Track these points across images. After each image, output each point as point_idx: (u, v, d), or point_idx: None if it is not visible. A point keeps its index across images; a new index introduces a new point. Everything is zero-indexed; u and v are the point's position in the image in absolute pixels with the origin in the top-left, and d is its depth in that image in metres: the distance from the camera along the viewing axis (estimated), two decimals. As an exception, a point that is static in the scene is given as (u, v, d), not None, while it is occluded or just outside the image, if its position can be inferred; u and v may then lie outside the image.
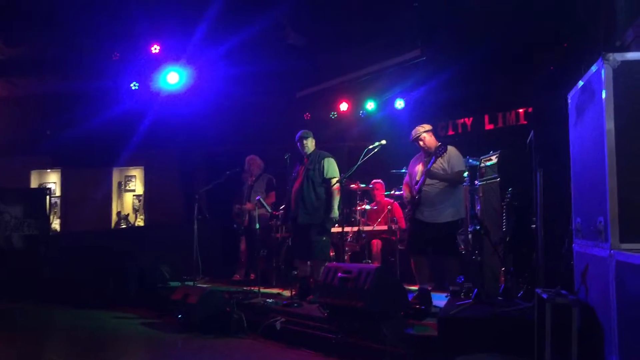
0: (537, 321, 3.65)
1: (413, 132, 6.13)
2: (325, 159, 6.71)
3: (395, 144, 6.76)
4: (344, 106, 10.00)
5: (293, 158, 7.01)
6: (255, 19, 7.51)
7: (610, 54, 3.17)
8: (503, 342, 4.08)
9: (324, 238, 6.60)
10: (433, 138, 6.13)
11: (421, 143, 6.09)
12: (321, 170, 6.67)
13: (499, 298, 5.16)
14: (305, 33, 8.44)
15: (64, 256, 9.33)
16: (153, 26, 8.02)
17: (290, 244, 7.51)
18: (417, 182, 6.00)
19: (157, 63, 8.44)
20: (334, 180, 6.58)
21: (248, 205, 8.26)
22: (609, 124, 3.13)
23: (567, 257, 4.29)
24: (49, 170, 12.89)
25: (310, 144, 6.84)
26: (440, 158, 5.89)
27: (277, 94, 9.73)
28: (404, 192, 6.49)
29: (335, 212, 6.56)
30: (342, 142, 9.50)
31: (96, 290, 8.39)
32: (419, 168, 6.10)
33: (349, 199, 8.23)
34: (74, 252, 9.31)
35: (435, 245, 5.92)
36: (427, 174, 5.88)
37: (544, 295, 3.49)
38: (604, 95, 3.18)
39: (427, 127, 6.14)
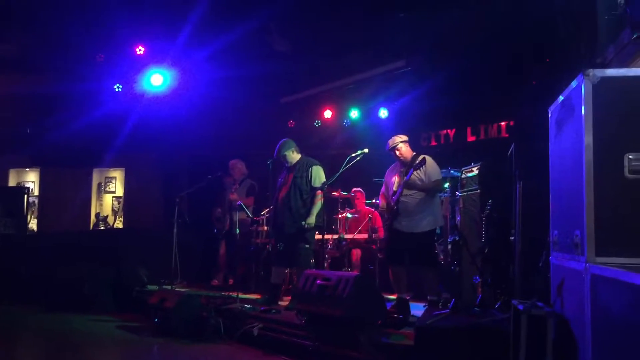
0: (513, 332, 3.68)
1: (390, 142, 6.18)
2: (313, 167, 6.62)
3: (378, 153, 6.79)
4: (328, 114, 10.03)
5: (276, 164, 7.00)
6: (241, 22, 7.50)
7: (590, 70, 3.22)
8: (479, 352, 4.11)
9: (307, 246, 6.55)
10: (409, 148, 6.19)
11: (397, 153, 6.15)
12: (309, 179, 6.59)
13: (476, 309, 5.19)
14: (291, 39, 8.46)
15: (40, 257, 9.19)
16: (138, 28, 7.99)
17: (270, 249, 7.48)
18: (394, 192, 6.04)
19: (141, 65, 8.40)
20: (318, 189, 6.53)
21: (232, 196, 8.13)
22: (588, 139, 3.18)
23: (543, 269, 4.34)
24: (27, 170, 12.75)
25: (290, 156, 6.71)
26: (419, 169, 5.94)
27: (261, 99, 9.74)
28: (380, 202, 6.52)
29: (312, 219, 6.47)
30: (326, 149, 9.52)
31: (72, 292, 8.29)
32: (395, 178, 6.14)
33: (331, 206, 8.24)
34: (51, 252, 9.19)
35: (413, 255, 5.96)
36: (405, 185, 5.91)
37: (520, 307, 3.52)
38: (583, 111, 3.22)
39: (404, 137, 6.20)
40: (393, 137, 6.19)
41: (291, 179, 6.65)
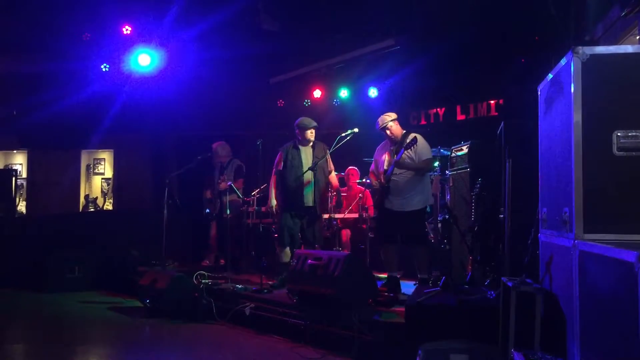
0: (502, 308, 3.73)
1: (379, 121, 6.16)
2: (328, 151, 6.76)
3: (368, 132, 6.78)
4: (317, 93, 10.00)
5: (265, 144, 6.97)
6: (229, 1, 7.42)
7: (580, 48, 3.22)
8: (469, 328, 4.16)
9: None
10: (399, 127, 6.17)
11: (388, 132, 6.12)
12: (327, 163, 6.77)
13: (466, 286, 5.25)
14: (279, 18, 8.38)
15: (30, 239, 9.16)
16: (124, 6, 7.88)
17: (273, 230, 7.46)
18: (385, 171, 6.03)
19: (128, 44, 8.30)
20: (333, 173, 6.92)
21: (222, 185, 8.09)
22: (577, 116, 3.19)
23: (532, 247, 4.38)
24: (15, 152, 12.63)
25: (314, 134, 6.80)
26: (409, 149, 5.93)
27: (250, 79, 9.67)
28: (370, 181, 6.52)
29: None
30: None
31: (63, 275, 8.29)
32: (386, 157, 6.13)
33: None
34: (41, 235, 9.16)
35: (404, 234, 5.97)
36: (396, 164, 5.91)
37: (509, 284, 3.56)
38: (572, 88, 3.23)
39: (393, 115, 6.17)
40: (382, 117, 6.17)
41: (312, 160, 6.67)
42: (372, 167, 6.35)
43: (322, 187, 6.71)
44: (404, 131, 6.15)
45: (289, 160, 6.71)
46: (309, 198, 6.64)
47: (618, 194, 3.11)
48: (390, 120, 6.11)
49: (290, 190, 6.64)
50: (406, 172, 5.96)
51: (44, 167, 11.92)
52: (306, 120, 6.77)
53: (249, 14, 7.99)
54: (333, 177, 6.98)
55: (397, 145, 6.03)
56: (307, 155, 6.74)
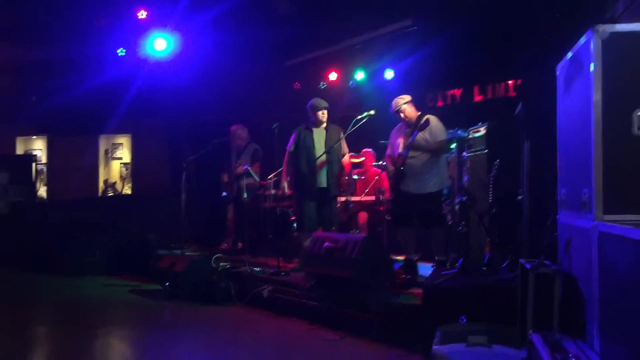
0: (521, 291, 3.71)
1: (393, 104, 6.11)
2: (343, 134, 6.74)
3: (384, 114, 6.73)
4: (333, 76, 9.94)
5: (282, 128, 6.97)
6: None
7: (600, 26, 3.17)
8: (487, 310, 4.15)
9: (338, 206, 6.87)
10: (413, 109, 6.11)
11: (402, 115, 6.07)
12: (341, 145, 6.74)
13: (484, 268, 5.23)
14: (295, 1, 8.33)
15: (50, 223, 9.29)
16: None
17: (290, 212, 7.48)
18: (400, 154, 5.99)
19: (144, 29, 8.30)
20: (347, 155, 6.90)
21: (239, 169, 8.11)
22: (597, 96, 3.14)
23: (551, 228, 4.35)
24: (34, 137, 12.78)
25: (325, 116, 6.79)
26: (423, 130, 5.88)
27: (266, 63, 9.63)
28: (386, 164, 6.49)
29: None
30: (331, 112, 9.41)
31: (83, 258, 8.40)
32: (401, 140, 6.09)
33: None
34: (61, 219, 9.28)
35: (421, 216, 5.94)
36: (410, 146, 5.87)
37: (528, 265, 3.55)
38: (592, 67, 3.18)
39: (407, 98, 6.12)
40: (396, 99, 6.11)
41: (325, 143, 6.66)
42: (389, 150, 6.32)
43: (337, 169, 6.70)
44: (419, 113, 6.10)
45: (300, 142, 6.71)
46: (322, 180, 6.64)
47: (638, 174, 3.07)
48: (404, 103, 6.05)
49: (303, 173, 6.64)
50: (421, 155, 5.91)
51: (63, 152, 12.05)
52: (317, 101, 6.76)
53: (264, -4, 7.96)
54: (346, 159, 6.93)
55: (412, 127, 5.98)
56: (320, 137, 6.72)
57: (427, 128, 5.85)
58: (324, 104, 6.75)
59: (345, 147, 6.85)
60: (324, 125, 6.76)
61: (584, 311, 3.26)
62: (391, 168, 6.20)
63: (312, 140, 6.69)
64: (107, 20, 8.27)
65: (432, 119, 5.98)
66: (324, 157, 6.62)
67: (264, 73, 9.93)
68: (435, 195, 6.00)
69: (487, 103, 8.36)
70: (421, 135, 5.88)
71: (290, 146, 6.78)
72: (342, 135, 6.72)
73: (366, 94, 9.62)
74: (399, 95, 6.21)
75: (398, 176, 6.00)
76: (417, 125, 5.90)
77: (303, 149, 6.66)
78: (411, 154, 5.91)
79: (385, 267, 5.38)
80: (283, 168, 6.92)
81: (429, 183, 5.93)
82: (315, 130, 6.74)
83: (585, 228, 3.24)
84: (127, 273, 8.25)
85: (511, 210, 5.28)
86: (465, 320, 4.11)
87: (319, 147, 6.65)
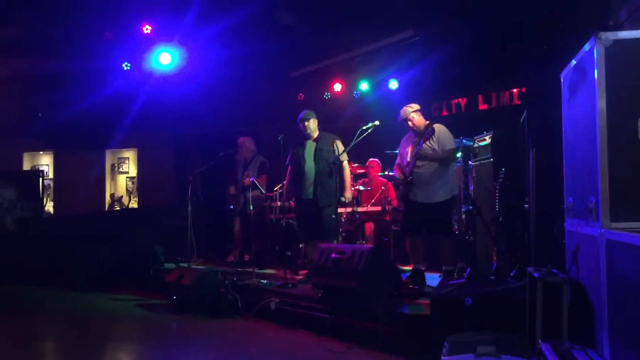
0: (529, 299, 3.70)
1: (401, 113, 6.11)
2: (337, 141, 6.76)
3: (389, 124, 6.74)
4: (337, 87, 9.97)
5: (287, 139, 6.99)
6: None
7: (603, 33, 3.17)
8: (495, 320, 4.13)
9: (334, 217, 6.63)
10: (422, 118, 6.11)
11: (410, 123, 6.06)
12: (333, 152, 6.70)
13: (491, 277, 5.21)
14: (298, 12, 8.36)
15: (57, 238, 9.32)
16: (144, 5, 7.92)
17: (295, 224, 7.49)
18: (408, 163, 5.99)
19: (149, 43, 8.35)
20: (345, 162, 6.76)
21: (246, 181, 8.12)
22: (601, 103, 3.14)
23: (558, 236, 4.33)
24: (41, 153, 12.84)
25: (312, 125, 6.84)
26: (429, 139, 5.88)
27: (270, 75, 9.68)
28: (395, 173, 6.49)
29: (349, 193, 6.79)
30: (336, 122, 9.45)
31: (90, 273, 8.40)
32: (409, 149, 6.09)
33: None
34: (68, 234, 9.30)
35: (429, 226, 5.92)
36: (417, 156, 5.87)
37: (536, 274, 3.53)
38: (596, 74, 3.18)
39: (415, 106, 6.12)
40: (404, 108, 6.12)
41: (315, 153, 6.70)
42: (398, 160, 6.30)
43: (326, 180, 6.62)
44: (427, 122, 6.09)
45: (293, 155, 6.91)
46: (309, 191, 6.72)
47: (645, 181, 3.06)
48: (412, 112, 6.05)
49: (293, 184, 6.90)
50: (429, 164, 5.90)
51: (70, 167, 12.09)
52: (302, 113, 6.88)
53: (267, 9, 7.99)
54: (344, 167, 6.78)
55: (420, 136, 5.98)
56: (310, 148, 6.81)
57: (435, 137, 5.85)
58: (305, 115, 6.84)
59: (342, 153, 6.70)
60: (314, 136, 6.84)
61: (592, 319, 3.24)
62: (399, 177, 6.20)
63: (303, 152, 6.82)
64: (112, 34, 8.32)
65: (440, 127, 5.97)
66: (311, 168, 6.70)
67: (269, 85, 9.97)
68: (444, 205, 5.96)
69: (492, 112, 8.36)
70: (428, 145, 5.88)
71: (288, 160, 6.98)
72: (336, 143, 6.74)
73: (371, 104, 9.63)
74: (405, 105, 6.22)
75: (406, 185, 5.99)
76: (423, 135, 5.91)
77: (294, 162, 6.89)
78: (419, 163, 5.90)
79: (393, 277, 5.36)
80: (285, 182, 7.12)
81: (437, 192, 5.91)
82: (307, 142, 6.87)
83: (593, 236, 3.22)
84: (134, 287, 8.24)
85: (518, 218, 5.27)
86: (470, 302, 4.13)
87: (309, 158, 6.75)
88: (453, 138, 6.08)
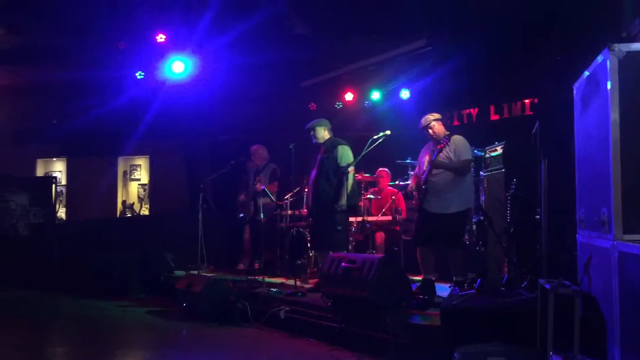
0: (540, 311, 3.67)
1: (422, 120, 6.06)
2: (340, 147, 6.55)
3: (400, 134, 6.75)
4: (349, 96, 9.99)
5: (298, 148, 7.00)
6: (260, 7, 7.47)
7: (616, 45, 3.17)
8: (506, 332, 4.09)
9: (339, 227, 6.36)
10: (442, 127, 6.06)
11: (430, 131, 6.02)
12: (335, 158, 6.52)
13: (502, 288, 5.17)
14: (310, 22, 8.40)
15: (69, 245, 9.38)
16: (158, 15, 7.99)
17: (306, 233, 7.50)
18: (423, 172, 5.97)
19: (162, 52, 8.43)
20: (350, 169, 6.42)
21: (257, 186, 8.10)
22: (614, 115, 3.13)
23: (570, 248, 4.31)
24: (54, 159, 12.93)
25: (319, 134, 6.71)
26: (445, 147, 5.86)
27: (282, 84, 9.71)
28: (410, 182, 6.45)
29: (343, 201, 6.36)
30: (347, 132, 9.44)
31: (102, 279, 8.45)
32: (427, 158, 6.05)
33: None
34: (80, 240, 9.37)
35: (441, 236, 5.84)
36: (432, 164, 5.86)
37: (547, 286, 3.51)
38: (609, 86, 3.17)
39: (437, 115, 6.07)
40: (426, 116, 6.06)
41: (319, 162, 6.65)
42: (416, 169, 6.28)
43: (323, 186, 6.49)
44: (447, 133, 6.05)
45: (313, 163, 6.87)
46: (309, 200, 6.74)
47: (658, 194, 3.04)
48: (434, 120, 6.01)
49: (308, 193, 6.99)
50: (444, 173, 5.86)
51: (83, 174, 12.17)
52: (310, 123, 6.82)
53: (280, 18, 8.03)
54: (348, 175, 6.42)
55: (437, 145, 5.96)
56: (320, 158, 6.71)
57: (452, 146, 5.82)
58: (311, 124, 6.75)
59: (345, 158, 6.49)
60: (323, 144, 6.72)
61: (605, 332, 3.21)
62: (413, 186, 6.16)
63: (315, 161, 6.75)
64: (126, 43, 8.40)
65: (457, 137, 5.95)
66: (316, 177, 6.64)
67: (280, 93, 10.01)
68: (457, 217, 5.88)
69: (504, 122, 8.35)
70: (444, 154, 5.86)
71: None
72: (338, 149, 6.52)
73: (382, 113, 9.65)
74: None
75: (420, 194, 5.97)
76: (439, 143, 5.90)
77: (310, 170, 6.87)
78: (434, 171, 5.87)
79: (403, 287, 5.34)
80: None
81: (451, 203, 5.84)
82: (318, 149, 6.82)
83: (605, 248, 3.20)
84: (145, 293, 8.27)
85: (529, 229, 5.24)
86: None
87: (317, 167, 6.68)
88: (470, 149, 6.03)
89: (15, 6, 7.90)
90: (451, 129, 8.13)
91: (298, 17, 8.13)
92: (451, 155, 5.86)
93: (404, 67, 8.92)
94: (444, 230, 5.82)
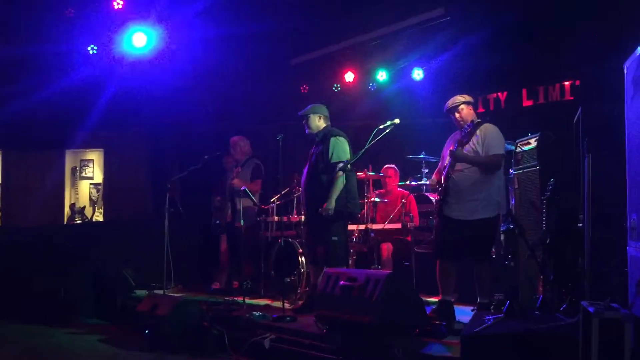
0: (582, 340, 3.68)
1: (449, 102, 6.01)
2: (332, 138, 6.53)
3: (412, 123, 6.77)
4: (349, 76, 10.01)
5: (287, 140, 7.00)
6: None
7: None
8: (540, 365, 4.12)
9: (335, 238, 6.39)
10: (472, 112, 6.02)
11: (457, 115, 5.97)
12: (324, 153, 6.51)
13: (536, 312, 5.20)
14: (302, -14, 8.43)
15: (5, 258, 9.33)
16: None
17: (296, 244, 7.51)
18: (444, 166, 5.91)
19: (120, 22, 8.41)
20: (338, 168, 6.36)
21: (234, 182, 8.09)
22: (674, 100, 3.15)
23: (619, 263, 4.32)
24: (-14, 153, 12.91)
25: (313, 123, 6.70)
26: (473, 138, 5.78)
27: (267, 61, 9.72)
28: (433, 175, 6.35)
29: (331, 204, 6.32)
30: (347, 120, 9.48)
31: (46, 300, 8.41)
32: (451, 149, 5.94)
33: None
34: (18, 251, 9.31)
35: (463, 248, 5.77)
36: (451, 154, 5.79)
37: (591, 309, 3.52)
38: (667, 65, 3.19)
39: (468, 98, 6.02)
40: (455, 96, 6.01)
41: (311, 155, 6.67)
42: (440, 164, 6.23)
43: (312, 187, 6.54)
44: (478, 120, 5.98)
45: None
46: (303, 203, 6.75)
47: None
48: (463, 102, 5.94)
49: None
50: (469, 169, 5.76)
51: (21, 170, 12.13)
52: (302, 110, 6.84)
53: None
54: (337, 173, 6.39)
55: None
56: (312, 152, 6.75)
57: (481, 136, 5.75)
58: (303, 112, 6.77)
59: (336, 154, 6.49)
60: (316, 135, 6.74)
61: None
62: (433, 182, 6.12)
63: (308, 156, 6.78)
64: (75, 10, 8.37)
65: (488, 126, 5.87)
66: (305, 175, 6.68)
67: (265, 73, 10.02)
68: (485, 224, 5.79)
69: (538, 109, 8.39)
70: (470, 145, 5.78)
71: None
72: (332, 141, 6.53)
73: (390, 98, 9.68)
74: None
75: (440, 195, 5.91)
76: (465, 130, 5.84)
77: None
78: (457, 166, 5.80)
79: (415, 310, 5.35)
80: None
81: (477, 208, 5.75)
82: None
83: (662, 262, 3.22)
84: (99, 317, 8.25)
85: (570, 240, 5.27)
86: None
87: (308, 163, 6.71)
88: (503, 142, 5.92)
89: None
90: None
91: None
92: (478, 147, 5.77)
93: (416, 42, 8.93)
94: (467, 241, 5.73)
